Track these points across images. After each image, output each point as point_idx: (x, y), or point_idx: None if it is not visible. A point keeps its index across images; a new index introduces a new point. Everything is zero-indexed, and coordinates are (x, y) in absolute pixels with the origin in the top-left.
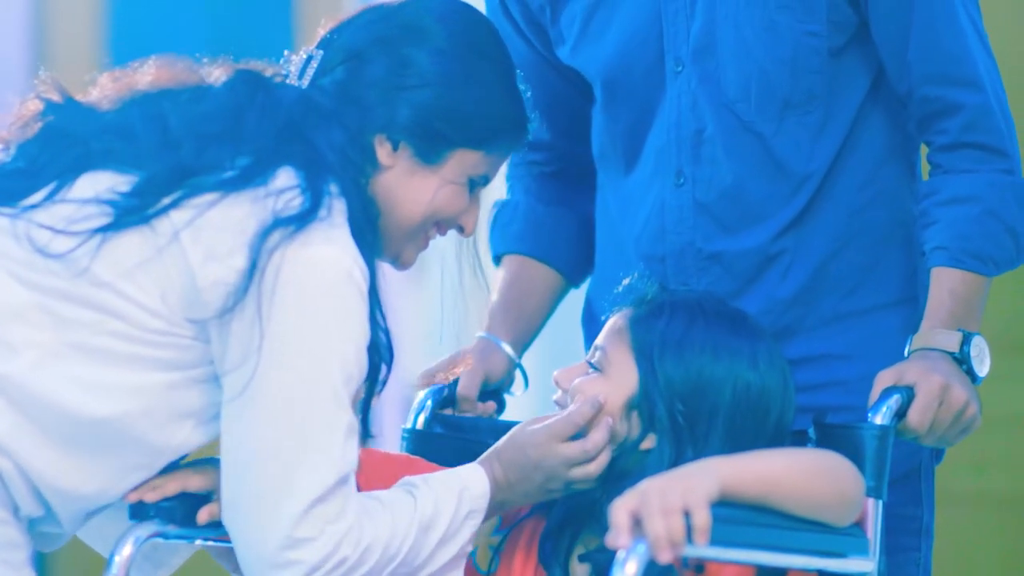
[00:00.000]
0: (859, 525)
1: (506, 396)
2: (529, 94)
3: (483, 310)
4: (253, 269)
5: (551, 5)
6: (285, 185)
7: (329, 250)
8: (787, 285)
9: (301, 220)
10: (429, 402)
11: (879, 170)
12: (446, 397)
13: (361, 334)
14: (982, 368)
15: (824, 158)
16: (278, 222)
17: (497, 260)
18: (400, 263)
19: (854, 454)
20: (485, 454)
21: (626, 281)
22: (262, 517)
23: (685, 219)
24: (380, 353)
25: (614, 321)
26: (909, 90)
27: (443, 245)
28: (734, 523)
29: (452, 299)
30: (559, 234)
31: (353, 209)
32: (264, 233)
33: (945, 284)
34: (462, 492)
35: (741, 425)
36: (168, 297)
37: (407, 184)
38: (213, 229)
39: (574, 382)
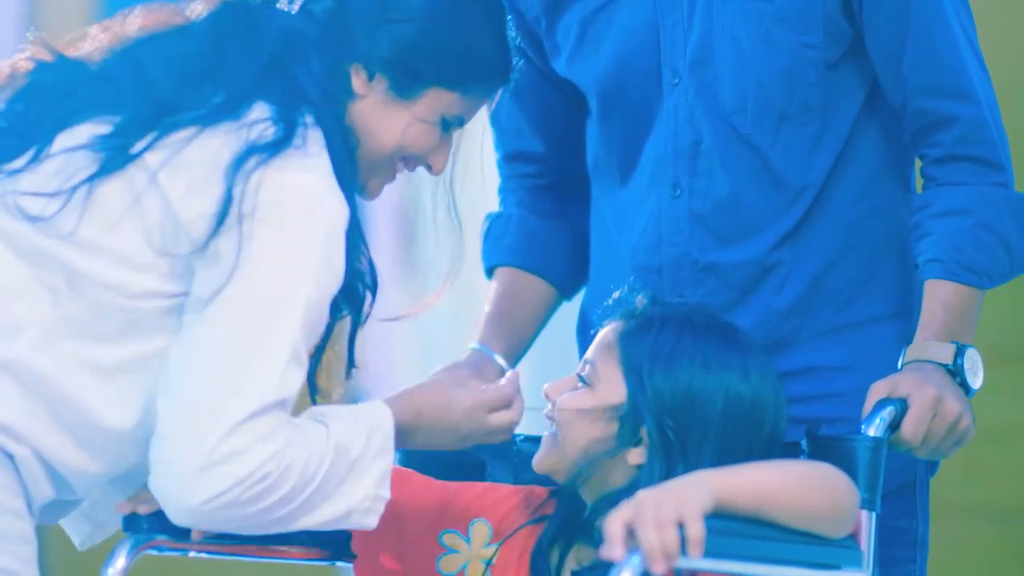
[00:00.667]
0: (853, 537)
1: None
2: (518, 41)
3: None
4: (230, 195)
5: (546, 16)
6: (258, 117)
7: (305, 177)
8: (783, 297)
9: (274, 147)
10: None
11: (874, 183)
12: None
13: (331, 263)
14: (975, 380)
15: (820, 170)
16: (251, 149)
17: (489, 272)
18: (366, 193)
19: (847, 466)
20: (397, 395)
21: (616, 294)
22: (198, 425)
23: (681, 230)
24: (364, 282)
25: (604, 335)
26: (904, 102)
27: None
28: (728, 535)
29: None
30: (552, 247)
31: (331, 139)
32: (239, 161)
33: (939, 296)
34: (372, 428)
35: (733, 438)
36: (153, 239)
37: (379, 116)
38: (190, 164)
39: (559, 398)
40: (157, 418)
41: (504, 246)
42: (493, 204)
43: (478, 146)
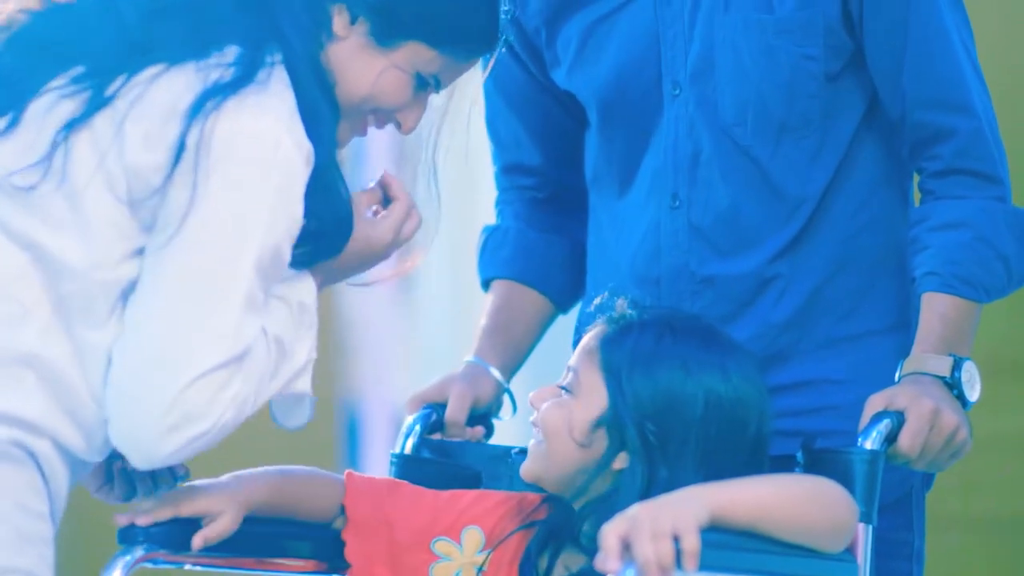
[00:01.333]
0: (850, 550)
1: (494, 421)
2: (508, 12)
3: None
4: (183, 141)
5: (547, 27)
6: (225, 57)
7: (260, 121)
8: (781, 309)
9: (231, 88)
10: (418, 427)
11: (873, 196)
12: (435, 422)
13: (287, 209)
14: (972, 393)
15: (819, 183)
16: (208, 92)
17: (486, 285)
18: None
19: (844, 479)
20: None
21: (598, 299)
22: (155, 381)
23: (680, 242)
24: (334, 224)
25: (585, 341)
26: (902, 115)
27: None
28: (723, 548)
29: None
30: (549, 260)
31: (302, 78)
32: (195, 105)
33: (936, 309)
34: (300, 307)
35: (716, 440)
36: (119, 194)
37: (354, 60)
38: (151, 107)
39: (542, 406)
40: (111, 366)
41: (501, 259)
42: (489, 216)
43: (471, 142)
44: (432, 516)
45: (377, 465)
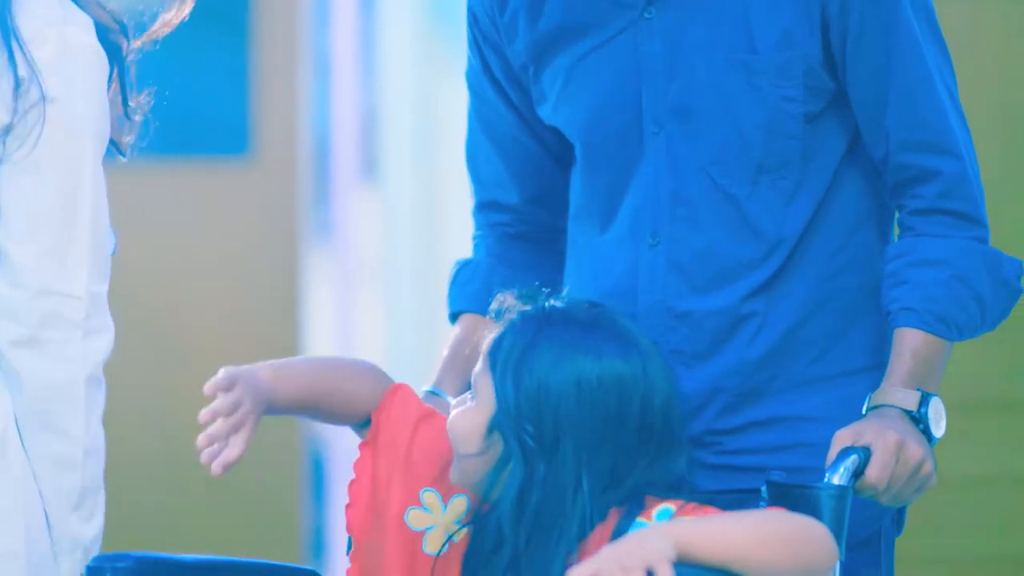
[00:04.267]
0: None
1: None
2: None
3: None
4: (11, 55)
5: (534, 64)
6: None
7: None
8: (756, 347)
9: None
10: None
11: (853, 236)
12: None
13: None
14: (938, 429)
15: (798, 222)
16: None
17: (453, 318)
18: None
19: (811, 515)
20: None
21: (499, 298)
22: (14, 311)
23: (657, 278)
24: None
25: (484, 344)
26: (886, 156)
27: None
28: None
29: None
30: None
31: None
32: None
33: (908, 344)
34: None
35: (595, 428)
36: None
37: None
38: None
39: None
40: None
41: (468, 293)
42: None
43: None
44: (440, 462)
45: (343, 502)
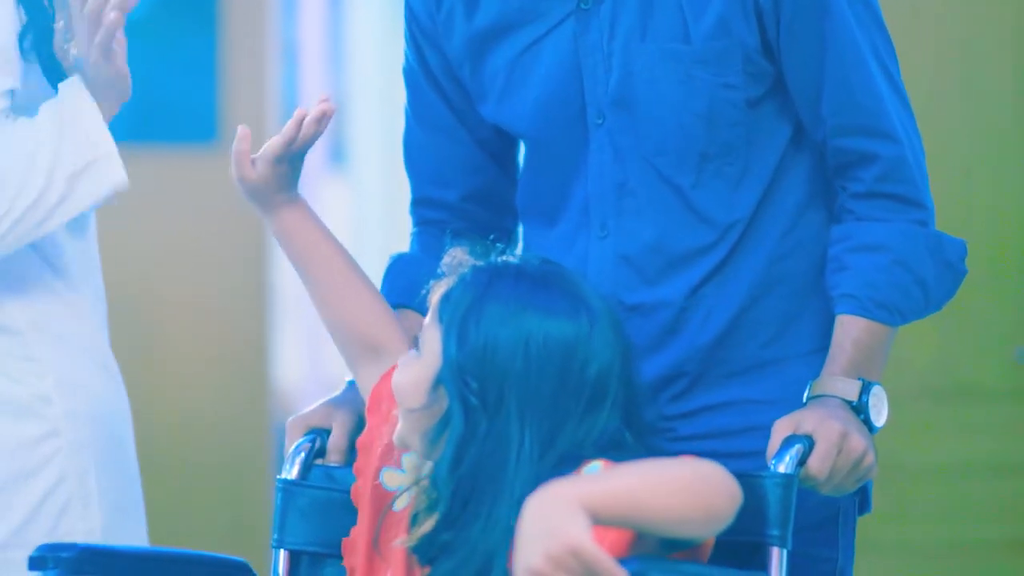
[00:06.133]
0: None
1: None
2: None
3: None
4: None
5: (471, 61)
6: None
7: None
8: (707, 332)
9: None
10: (303, 453)
11: (801, 218)
12: (319, 448)
13: None
14: (879, 418)
15: (746, 208)
16: None
17: None
18: None
19: (757, 503)
20: None
21: (452, 252)
22: None
23: (606, 271)
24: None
25: (431, 297)
26: (824, 140)
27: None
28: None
29: None
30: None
31: None
32: None
33: (849, 332)
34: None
35: (538, 383)
36: None
37: None
38: None
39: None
40: None
41: (398, 286)
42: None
43: None
44: None
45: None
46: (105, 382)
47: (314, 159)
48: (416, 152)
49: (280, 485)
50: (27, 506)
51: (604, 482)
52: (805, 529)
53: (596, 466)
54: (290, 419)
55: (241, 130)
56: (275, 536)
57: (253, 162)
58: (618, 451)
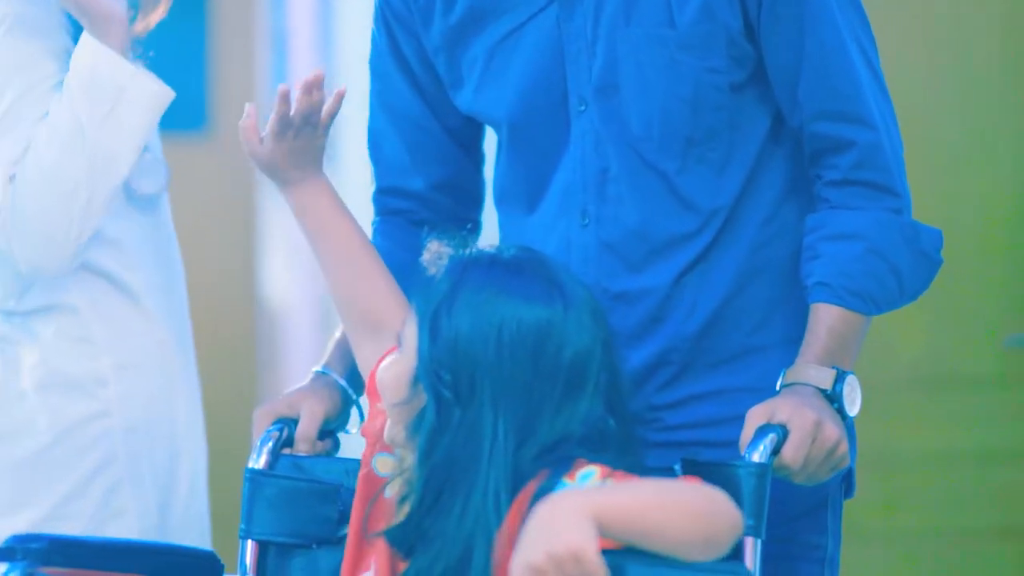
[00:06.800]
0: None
1: (340, 435)
2: None
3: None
4: None
5: (447, 49)
6: None
7: None
8: (693, 321)
9: None
10: (270, 443)
11: (783, 205)
12: (287, 438)
13: None
14: (852, 408)
15: (729, 194)
16: None
17: None
18: None
19: (732, 493)
20: None
21: (430, 246)
22: None
23: (590, 259)
24: None
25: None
26: (801, 125)
27: None
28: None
29: None
30: (413, 281)
31: None
32: None
33: (824, 320)
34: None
35: (511, 372)
36: None
37: None
38: None
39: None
40: None
41: None
42: None
43: None
44: None
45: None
46: (163, 365)
47: None
48: (382, 141)
49: (248, 475)
50: (73, 482)
51: (617, 497)
52: (798, 517)
53: (592, 471)
54: (257, 409)
55: (249, 107)
56: (242, 526)
57: (261, 140)
58: (603, 442)
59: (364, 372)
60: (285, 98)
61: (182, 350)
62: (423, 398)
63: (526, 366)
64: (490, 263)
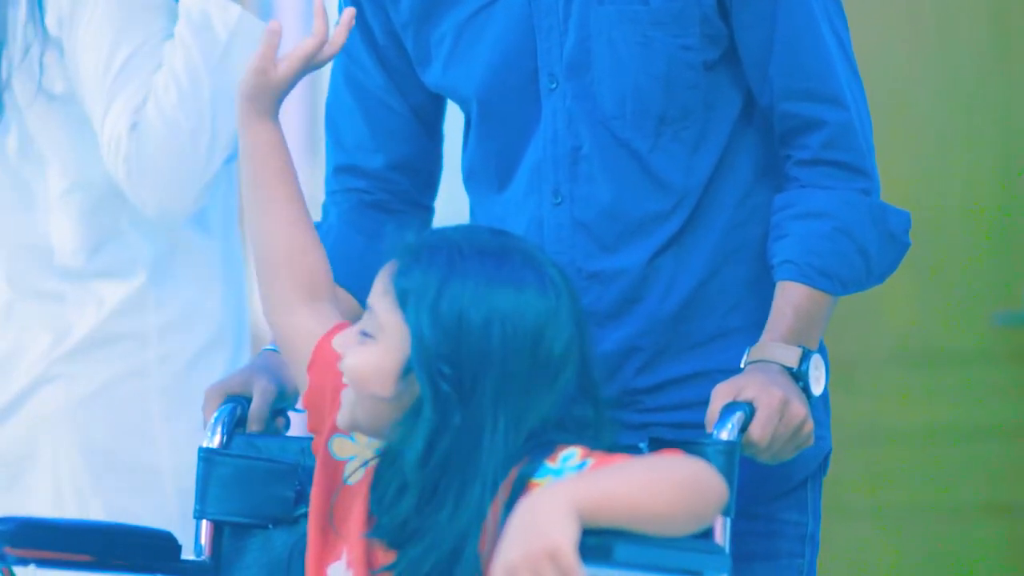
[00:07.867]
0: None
1: (291, 413)
2: None
3: None
4: None
5: (415, 24)
6: None
7: None
8: (669, 303)
9: None
10: (223, 421)
11: (756, 185)
12: (241, 416)
13: None
14: (817, 387)
15: (702, 173)
16: None
17: None
18: None
19: None
20: None
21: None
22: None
23: (564, 238)
24: None
25: (380, 277)
26: (771, 105)
27: None
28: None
29: None
30: (366, 265)
31: None
32: None
33: (790, 299)
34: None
35: (511, 362)
36: None
37: None
38: None
39: (344, 359)
40: None
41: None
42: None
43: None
44: None
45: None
46: (212, 333)
47: (290, 124)
48: (343, 118)
49: (202, 454)
50: (107, 436)
51: (601, 484)
52: (778, 497)
53: (573, 452)
54: (208, 387)
55: (274, 23)
56: (197, 506)
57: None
58: (579, 425)
59: (296, 338)
60: (324, 18)
61: (236, 324)
62: (414, 393)
63: (526, 357)
64: (475, 250)
